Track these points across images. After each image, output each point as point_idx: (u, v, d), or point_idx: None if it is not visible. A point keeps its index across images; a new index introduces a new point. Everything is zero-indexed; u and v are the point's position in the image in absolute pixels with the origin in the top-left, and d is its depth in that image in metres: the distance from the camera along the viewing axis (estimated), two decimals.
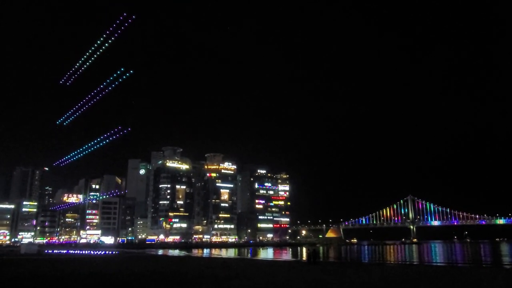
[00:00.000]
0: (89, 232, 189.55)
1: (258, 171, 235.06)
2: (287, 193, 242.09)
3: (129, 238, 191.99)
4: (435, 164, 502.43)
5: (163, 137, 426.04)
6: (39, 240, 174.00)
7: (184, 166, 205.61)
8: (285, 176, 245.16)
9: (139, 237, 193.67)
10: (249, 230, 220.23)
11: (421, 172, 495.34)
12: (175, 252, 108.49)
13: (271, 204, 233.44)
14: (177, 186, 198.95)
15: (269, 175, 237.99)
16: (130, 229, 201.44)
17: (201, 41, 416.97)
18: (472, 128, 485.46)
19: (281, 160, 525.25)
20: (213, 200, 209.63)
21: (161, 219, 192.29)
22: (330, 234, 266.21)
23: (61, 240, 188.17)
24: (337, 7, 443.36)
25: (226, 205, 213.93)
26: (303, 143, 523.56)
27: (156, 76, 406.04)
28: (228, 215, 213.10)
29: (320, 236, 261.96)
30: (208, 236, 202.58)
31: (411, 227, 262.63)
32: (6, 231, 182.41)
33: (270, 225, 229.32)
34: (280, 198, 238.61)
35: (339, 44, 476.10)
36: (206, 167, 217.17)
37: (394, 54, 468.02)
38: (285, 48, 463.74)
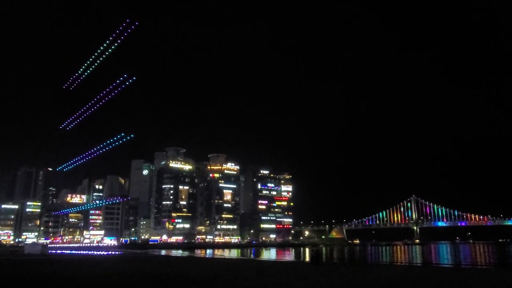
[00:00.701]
0: (92, 232, 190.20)
1: (261, 171, 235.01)
2: (290, 193, 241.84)
3: (132, 238, 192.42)
4: (438, 165, 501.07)
5: (166, 138, 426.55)
6: (42, 240, 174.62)
7: (187, 167, 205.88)
8: (288, 177, 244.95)
9: (142, 237, 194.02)
10: (252, 231, 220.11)
11: (424, 173, 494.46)
12: (178, 253, 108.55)
13: (274, 204, 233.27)
14: (180, 187, 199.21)
15: (272, 175, 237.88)
16: (133, 229, 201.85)
17: (203, 41, 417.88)
18: (475, 128, 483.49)
19: (284, 160, 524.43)
20: (216, 201, 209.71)
21: (164, 219, 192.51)
22: (333, 235, 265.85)
23: (65, 240, 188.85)
24: (337, 7, 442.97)
25: (229, 205, 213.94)
26: (306, 144, 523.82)
27: (159, 76, 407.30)
28: (231, 216, 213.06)
29: (323, 236, 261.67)
30: (211, 237, 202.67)
31: (415, 228, 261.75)
32: (10, 231, 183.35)
33: (273, 226, 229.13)
34: (283, 198, 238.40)
35: (340, 45, 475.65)
36: (209, 167, 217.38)
37: (396, 54, 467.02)
38: (287, 48, 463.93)
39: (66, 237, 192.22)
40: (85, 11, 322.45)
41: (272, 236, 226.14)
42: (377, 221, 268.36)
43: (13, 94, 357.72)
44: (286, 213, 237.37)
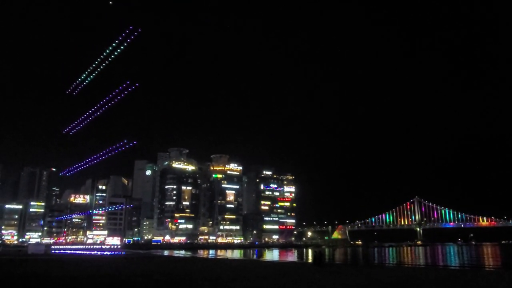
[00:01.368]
0: (95, 232, 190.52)
1: (264, 172, 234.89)
2: (293, 194, 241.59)
3: (135, 238, 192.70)
4: (442, 166, 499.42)
5: (169, 138, 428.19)
6: (46, 240, 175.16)
7: (190, 167, 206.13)
8: (290, 177, 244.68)
9: (145, 237, 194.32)
10: (254, 232, 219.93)
11: (427, 174, 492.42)
12: (181, 253, 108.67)
13: (276, 205, 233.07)
14: (183, 187, 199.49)
15: (274, 176, 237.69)
16: (136, 229, 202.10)
17: (206, 42, 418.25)
18: (475, 128, 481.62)
19: (286, 161, 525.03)
20: (219, 201, 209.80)
21: (167, 220, 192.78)
22: (335, 236, 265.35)
23: (68, 240, 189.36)
24: (337, 7, 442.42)
25: (232, 206, 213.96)
26: (309, 144, 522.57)
27: (162, 78, 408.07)
28: (234, 216, 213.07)
29: (326, 237, 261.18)
30: (214, 237, 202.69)
31: (418, 229, 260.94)
32: (14, 231, 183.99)
33: (276, 227, 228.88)
34: (286, 199, 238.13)
35: (343, 46, 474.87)
36: (212, 168, 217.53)
37: (398, 55, 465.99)
38: (289, 49, 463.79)
39: (70, 237, 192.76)
40: (90, 17, 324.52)
41: (275, 237, 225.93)
42: (380, 222, 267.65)
43: (18, 96, 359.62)
44: (288, 214, 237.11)
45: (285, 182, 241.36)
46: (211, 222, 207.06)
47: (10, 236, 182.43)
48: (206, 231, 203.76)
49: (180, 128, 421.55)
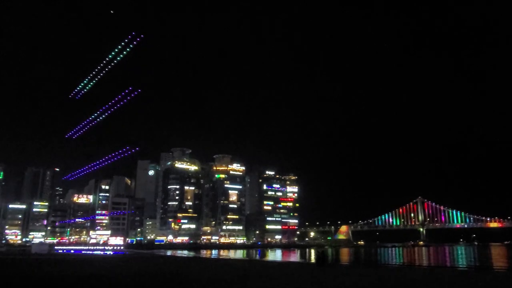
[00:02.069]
0: (98, 232, 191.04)
1: (267, 172, 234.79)
2: (296, 194, 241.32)
3: (138, 238, 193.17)
4: (445, 166, 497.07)
5: (172, 138, 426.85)
6: (49, 240, 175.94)
7: (193, 167, 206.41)
8: (293, 178, 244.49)
9: (148, 237, 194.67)
10: (257, 232, 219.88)
11: (431, 174, 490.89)
12: (184, 253, 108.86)
13: (279, 205, 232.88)
14: (186, 187, 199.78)
15: (277, 176, 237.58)
16: (139, 229, 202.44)
17: (208, 42, 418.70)
18: (476, 128, 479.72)
19: (289, 161, 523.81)
20: (222, 201, 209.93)
21: (170, 220, 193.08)
22: (338, 236, 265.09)
23: (71, 240, 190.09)
24: (338, 8, 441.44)
25: (235, 206, 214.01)
26: (311, 144, 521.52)
27: (164, 78, 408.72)
28: (237, 217, 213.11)
29: (329, 238, 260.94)
30: (217, 237, 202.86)
31: (421, 229, 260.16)
32: (18, 231, 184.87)
33: (279, 227, 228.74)
34: (289, 199, 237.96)
35: (346, 45, 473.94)
36: (214, 168, 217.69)
37: (402, 55, 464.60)
38: (292, 49, 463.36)
39: (73, 237, 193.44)
40: (95, 22, 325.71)
41: (278, 237, 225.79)
42: (383, 223, 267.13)
43: (23, 97, 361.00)
44: (291, 214, 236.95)
45: (288, 182, 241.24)
46: (213, 222, 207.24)
47: (14, 235, 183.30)
48: (209, 231, 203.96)
49: (183, 128, 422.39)
